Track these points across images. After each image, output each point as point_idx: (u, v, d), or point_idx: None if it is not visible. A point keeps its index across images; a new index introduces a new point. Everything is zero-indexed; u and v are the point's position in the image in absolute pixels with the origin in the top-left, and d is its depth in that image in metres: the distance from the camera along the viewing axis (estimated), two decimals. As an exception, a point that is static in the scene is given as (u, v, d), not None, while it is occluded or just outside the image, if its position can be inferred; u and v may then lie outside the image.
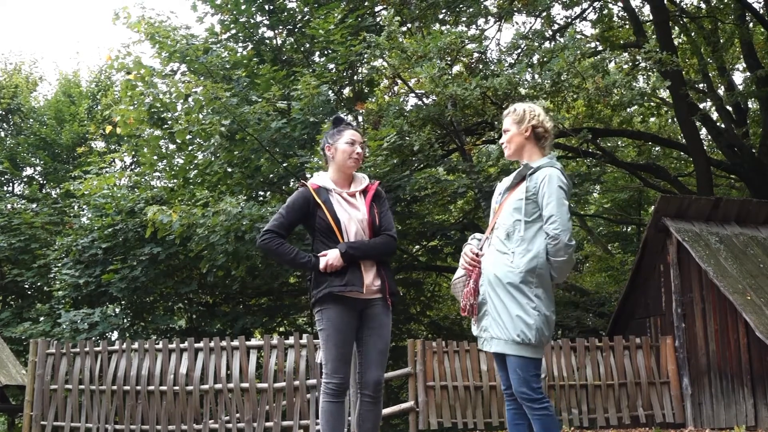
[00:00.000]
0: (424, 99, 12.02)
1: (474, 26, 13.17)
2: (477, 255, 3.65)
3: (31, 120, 20.38)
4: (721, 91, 15.44)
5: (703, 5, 15.50)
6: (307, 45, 12.17)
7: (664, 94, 15.88)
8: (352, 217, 3.81)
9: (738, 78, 17.59)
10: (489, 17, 13.49)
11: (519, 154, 3.73)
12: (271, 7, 12.27)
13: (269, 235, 3.84)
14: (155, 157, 11.61)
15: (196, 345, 8.31)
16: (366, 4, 12.68)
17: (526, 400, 3.49)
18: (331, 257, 3.73)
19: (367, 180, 3.97)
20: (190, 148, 11.45)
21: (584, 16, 14.99)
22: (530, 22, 14.37)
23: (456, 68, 12.54)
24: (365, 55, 10.68)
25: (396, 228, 4.00)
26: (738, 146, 14.02)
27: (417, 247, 14.33)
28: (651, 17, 13.83)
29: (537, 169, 3.60)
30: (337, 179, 3.90)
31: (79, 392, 8.42)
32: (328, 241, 3.79)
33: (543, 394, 3.51)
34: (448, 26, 12.45)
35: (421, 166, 11.12)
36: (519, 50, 11.83)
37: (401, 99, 13.09)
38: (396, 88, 14.18)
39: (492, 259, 3.57)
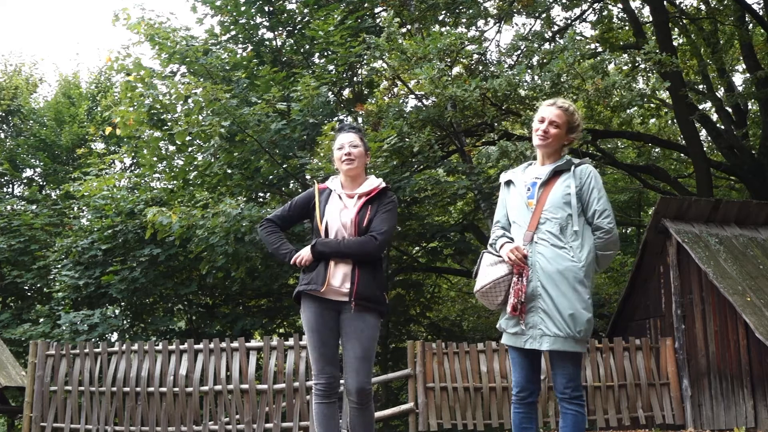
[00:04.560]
0: (424, 100, 12.02)
1: (474, 28, 13.19)
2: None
3: (31, 121, 20.37)
4: (720, 93, 15.44)
5: (702, 6, 15.51)
6: (307, 46, 12.17)
7: (664, 95, 15.88)
8: (339, 216, 3.82)
9: (738, 79, 17.59)
10: (489, 19, 13.51)
11: (551, 150, 3.67)
12: (271, 9, 12.28)
13: (266, 223, 4.02)
14: (155, 159, 11.61)
15: (196, 346, 8.31)
16: (366, 5, 12.68)
17: (570, 397, 3.46)
18: (303, 251, 3.80)
19: (377, 183, 3.94)
20: (189, 149, 11.45)
21: (584, 17, 15.01)
22: (530, 24, 14.41)
23: (456, 70, 12.55)
24: (365, 57, 10.69)
25: (396, 230, 3.99)
26: (738, 148, 14.02)
27: (417, 248, 14.33)
28: (651, 18, 13.84)
29: (578, 165, 3.62)
30: (345, 182, 3.95)
31: (79, 394, 8.41)
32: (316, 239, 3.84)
33: (582, 392, 3.51)
34: (447, 28, 12.47)
35: (421, 167, 11.12)
36: (519, 51, 11.83)
37: (401, 100, 13.10)
38: (396, 90, 14.17)
39: (549, 255, 3.49)
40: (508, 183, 3.77)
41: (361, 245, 3.73)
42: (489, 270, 3.58)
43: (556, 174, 3.61)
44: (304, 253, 3.77)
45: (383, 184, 3.95)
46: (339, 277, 3.73)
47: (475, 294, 3.67)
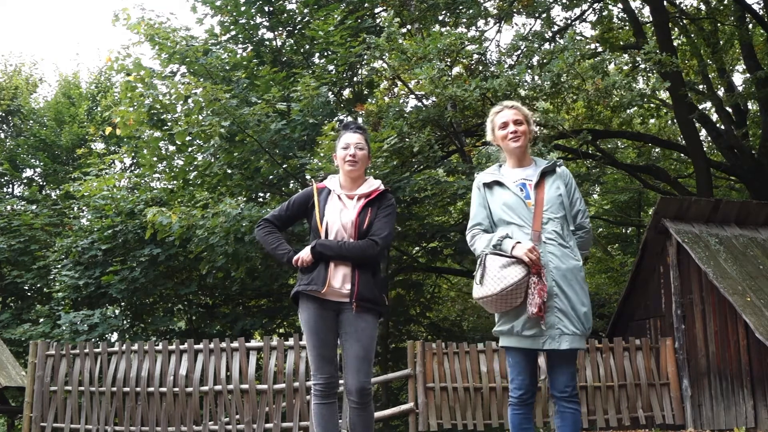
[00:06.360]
0: (424, 100, 12.02)
1: (474, 28, 13.18)
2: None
3: (31, 121, 20.37)
4: (720, 93, 15.44)
5: (702, 6, 15.52)
6: (307, 46, 12.17)
7: (664, 95, 15.88)
8: (339, 217, 3.81)
9: (738, 79, 17.60)
10: (489, 19, 13.52)
11: (525, 147, 3.74)
12: (271, 9, 12.28)
13: (263, 223, 4.00)
14: (155, 159, 11.60)
15: (196, 346, 8.31)
16: (366, 5, 12.68)
17: (569, 395, 3.48)
18: (303, 252, 3.78)
19: (377, 185, 3.94)
20: (189, 149, 11.45)
21: (584, 17, 15.01)
22: (530, 24, 14.41)
23: (456, 70, 12.55)
24: (365, 57, 10.69)
25: (396, 230, 4.00)
26: (738, 148, 14.02)
27: (417, 248, 14.33)
28: (651, 18, 13.83)
29: (559, 166, 3.72)
30: (344, 182, 3.95)
31: (79, 394, 8.41)
32: (315, 239, 3.83)
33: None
34: (447, 28, 12.46)
35: (421, 167, 11.11)
36: (519, 51, 11.83)
37: (401, 100, 13.10)
38: (396, 90, 14.18)
39: (559, 254, 3.51)
40: (491, 185, 3.68)
41: (362, 249, 3.72)
42: (504, 272, 3.41)
43: (543, 175, 3.67)
44: (304, 254, 3.76)
45: (382, 186, 3.95)
46: (339, 278, 3.72)
47: (485, 299, 3.46)
